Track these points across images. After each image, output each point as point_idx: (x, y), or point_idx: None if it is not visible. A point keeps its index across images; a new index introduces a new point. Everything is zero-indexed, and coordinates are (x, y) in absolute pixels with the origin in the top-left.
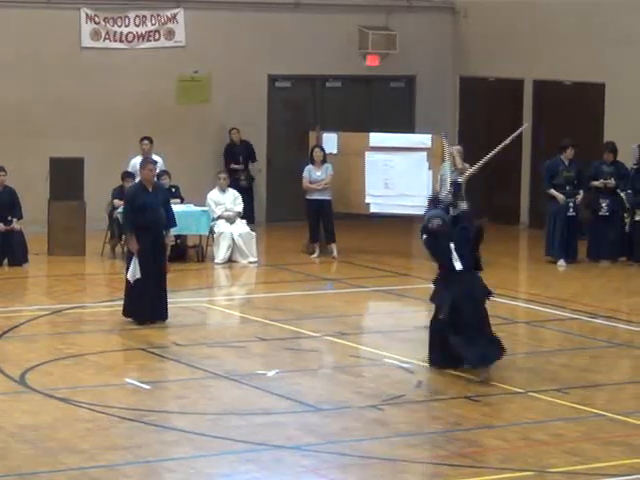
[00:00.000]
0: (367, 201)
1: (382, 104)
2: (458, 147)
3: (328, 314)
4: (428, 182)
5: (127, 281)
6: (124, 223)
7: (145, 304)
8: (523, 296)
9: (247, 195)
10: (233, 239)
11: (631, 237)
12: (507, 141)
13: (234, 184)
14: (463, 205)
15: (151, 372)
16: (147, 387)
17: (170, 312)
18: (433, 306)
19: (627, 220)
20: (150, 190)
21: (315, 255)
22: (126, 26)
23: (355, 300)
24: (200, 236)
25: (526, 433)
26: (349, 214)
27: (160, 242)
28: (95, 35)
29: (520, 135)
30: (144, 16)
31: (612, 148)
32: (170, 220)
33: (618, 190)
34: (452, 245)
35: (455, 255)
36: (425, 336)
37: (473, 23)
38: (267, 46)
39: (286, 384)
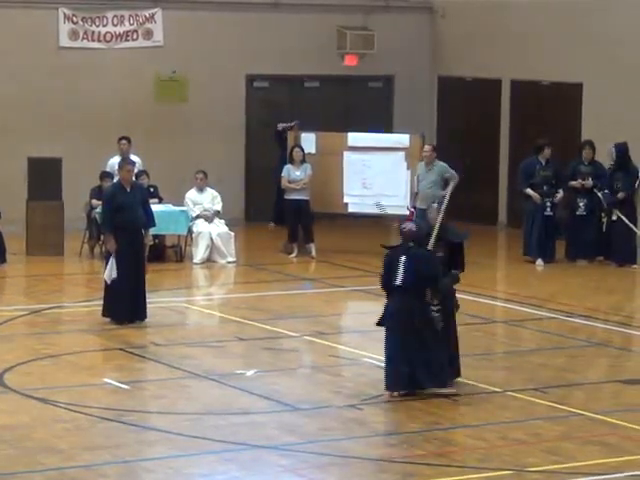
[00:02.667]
0: (345, 201)
1: (360, 104)
2: (427, 146)
3: (307, 314)
4: (406, 182)
5: (106, 281)
6: (102, 223)
7: (123, 304)
8: (501, 295)
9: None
10: (212, 239)
11: (609, 237)
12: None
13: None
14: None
15: (130, 372)
16: (126, 387)
17: (148, 312)
18: None
19: (604, 220)
20: (128, 190)
21: (293, 255)
22: (104, 26)
23: (334, 300)
24: (178, 236)
25: (504, 432)
26: (327, 214)
27: (139, 242)
28: (73, 35)
29: (498, 135)
30: (122, 16)
31: (591, 145)
32: (149, 220)
33: (595, 190)
34: (403, 258)
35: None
36: None
37: (451, 23)
38: (245, 46)
39: (265, 384)
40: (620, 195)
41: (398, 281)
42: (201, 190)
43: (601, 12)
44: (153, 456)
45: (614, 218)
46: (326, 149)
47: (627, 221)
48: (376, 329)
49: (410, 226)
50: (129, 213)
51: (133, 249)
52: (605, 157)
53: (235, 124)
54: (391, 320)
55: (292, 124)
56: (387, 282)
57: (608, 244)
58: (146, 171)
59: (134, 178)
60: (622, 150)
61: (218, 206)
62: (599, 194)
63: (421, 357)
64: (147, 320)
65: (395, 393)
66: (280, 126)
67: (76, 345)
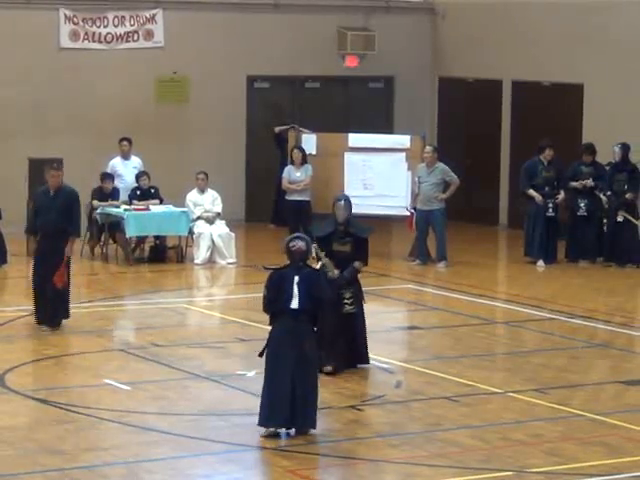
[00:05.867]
0: None
1: (361, 105)
2: (428, 148)
3: None
4: (407, 183)
5: None
6: (26, 224)
7: (38, 305)
8: (502, 296)
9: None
10: (212, 240)
11: (612, 238)
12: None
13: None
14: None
15: (130, 373)
16: (126, 388)
17: (149, 313)
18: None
19: (605, 221)
20: (52, 194)
21: None
22: (105, 27)
23: None
24: (179, 237)
25: (505, 433)
26: (328, 215)
27: (52, 246)
28: (74, 36)
29: (498, 136)
30: (123, 17)
31: (591, 149)
32: (73, 227)
33: (596, 191)
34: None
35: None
36: (404, 337)
37: (452, 24)
38: (246, 47)
39: None
40: (629, 196)
41: (294, 304)
42: (202, 191)
43: (602, 12)
44: (154, 457)
45: (619, 219)
46: (327, 150)
47: (635, 220)
48: (376, 329)
49: (300, 244)
50: (42, 217)
51: (49, 253)
52: (606, 158)
53: (236, 125)
54: (281, 345)
55: (288, 127)
56: (276, 304)
57: (611, 245)
58: (147, 172)
59: (135, 179)
60: (626, 151)
61: (218, 208)
62: (602, 196)
63: (303, 390)
64: (148, 321)
65: (272, 429)
66: (277, 129)
67: (77, 346)
